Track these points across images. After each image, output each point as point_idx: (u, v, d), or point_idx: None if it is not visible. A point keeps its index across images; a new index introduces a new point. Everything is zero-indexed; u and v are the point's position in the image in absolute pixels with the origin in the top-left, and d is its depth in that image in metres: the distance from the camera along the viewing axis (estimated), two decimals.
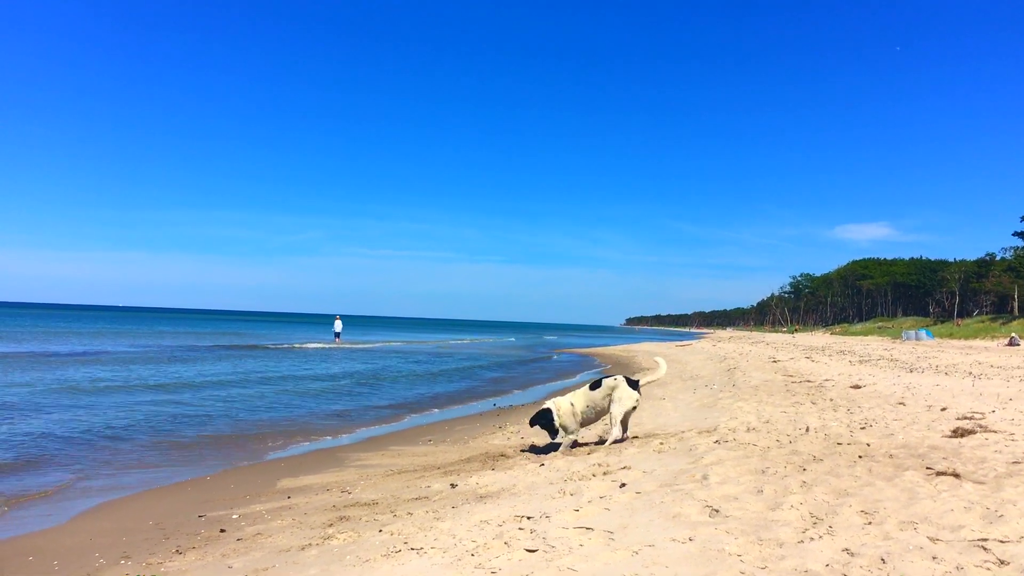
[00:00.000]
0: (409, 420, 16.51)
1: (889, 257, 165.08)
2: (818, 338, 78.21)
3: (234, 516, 7.91)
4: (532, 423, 10.56)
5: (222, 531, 7.31)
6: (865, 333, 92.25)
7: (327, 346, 51.13)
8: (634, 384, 10.48)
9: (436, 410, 18.33)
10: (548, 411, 10.43)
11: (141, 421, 14.79)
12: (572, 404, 10.44)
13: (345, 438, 13.74)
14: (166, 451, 12.13)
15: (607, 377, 10.69)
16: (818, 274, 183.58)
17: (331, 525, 6.98)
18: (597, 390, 10.46)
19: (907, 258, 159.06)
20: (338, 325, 58.59)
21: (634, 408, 10.36)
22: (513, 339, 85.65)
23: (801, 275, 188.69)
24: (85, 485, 9.80)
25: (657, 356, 12.38)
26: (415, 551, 5.53)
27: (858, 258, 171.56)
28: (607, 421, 10.58)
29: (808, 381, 18.58)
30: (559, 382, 27.36)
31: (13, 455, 11.27)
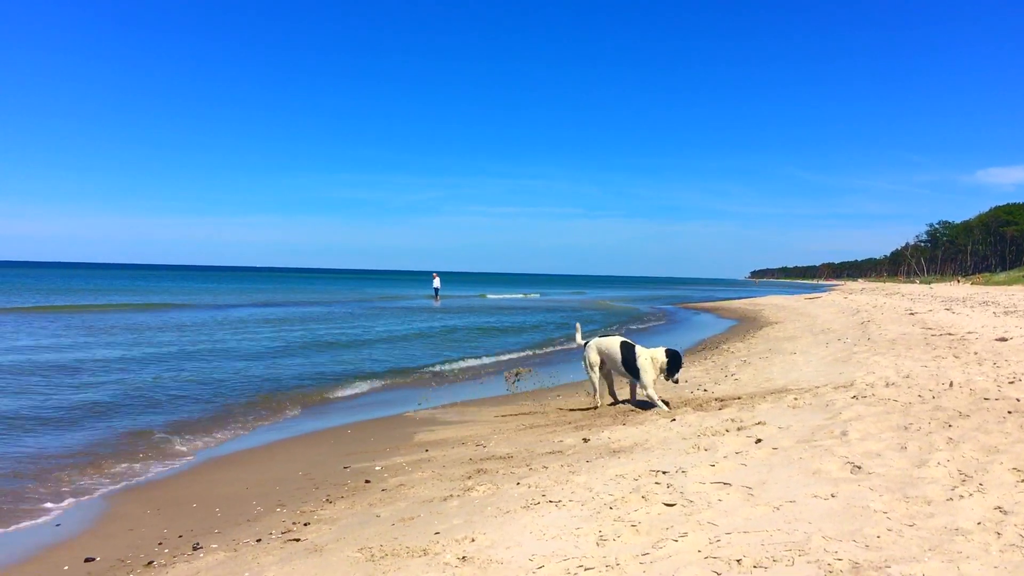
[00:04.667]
0: (535, 377, 16.70)
1: None
2: (958, 288, 74.33)
3: (377, 468, 8.29)
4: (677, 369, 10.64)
5: (367, 482, 7.67)
6: (1009, 283, 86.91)
7: (430, 301, 52.42)
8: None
9: (561, 365, 18.49)
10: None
11: (281, 376, 15.57)
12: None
13: (469, 392, 14.09)
14: (306, 404, 12.78)
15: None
16: (957, 221, 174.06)
17: (470, 477, 7.23)
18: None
19: None
20: (436, 282, 58.95)
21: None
22: (632, 294, 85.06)
23: (939, 223, 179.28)
24: (237, 432, 10.45)
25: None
26: (553, 503, 5.67)
27: (1001, 203, 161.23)
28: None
29: (949, 334, 17.78)
30: (688, 338, 27.09)
31: (178, 401, 12.09)
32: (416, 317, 36.66)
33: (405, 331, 28.08)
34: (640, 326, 32.77)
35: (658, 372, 10.55)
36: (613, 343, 10.99)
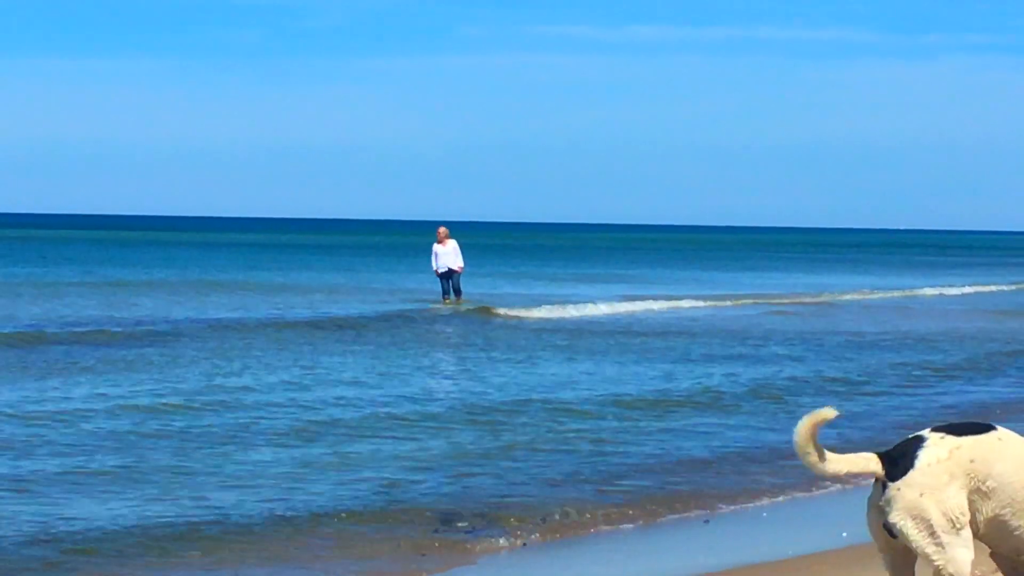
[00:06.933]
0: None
1: None
2: None
3: None
4: None
5: None
6: None
7: (427, 317, 34.59)
8: None
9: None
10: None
11: None
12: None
13: None
14: None
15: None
16: None
17: None
18: None
19: None
20: (448, 255, 37.90)
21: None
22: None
23: None
24: None
25: None
26: None
27: None
28: None
29: None
30: None
31: None
32: (397, 370, 24.35)
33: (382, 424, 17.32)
34: None
35: None
36: None
